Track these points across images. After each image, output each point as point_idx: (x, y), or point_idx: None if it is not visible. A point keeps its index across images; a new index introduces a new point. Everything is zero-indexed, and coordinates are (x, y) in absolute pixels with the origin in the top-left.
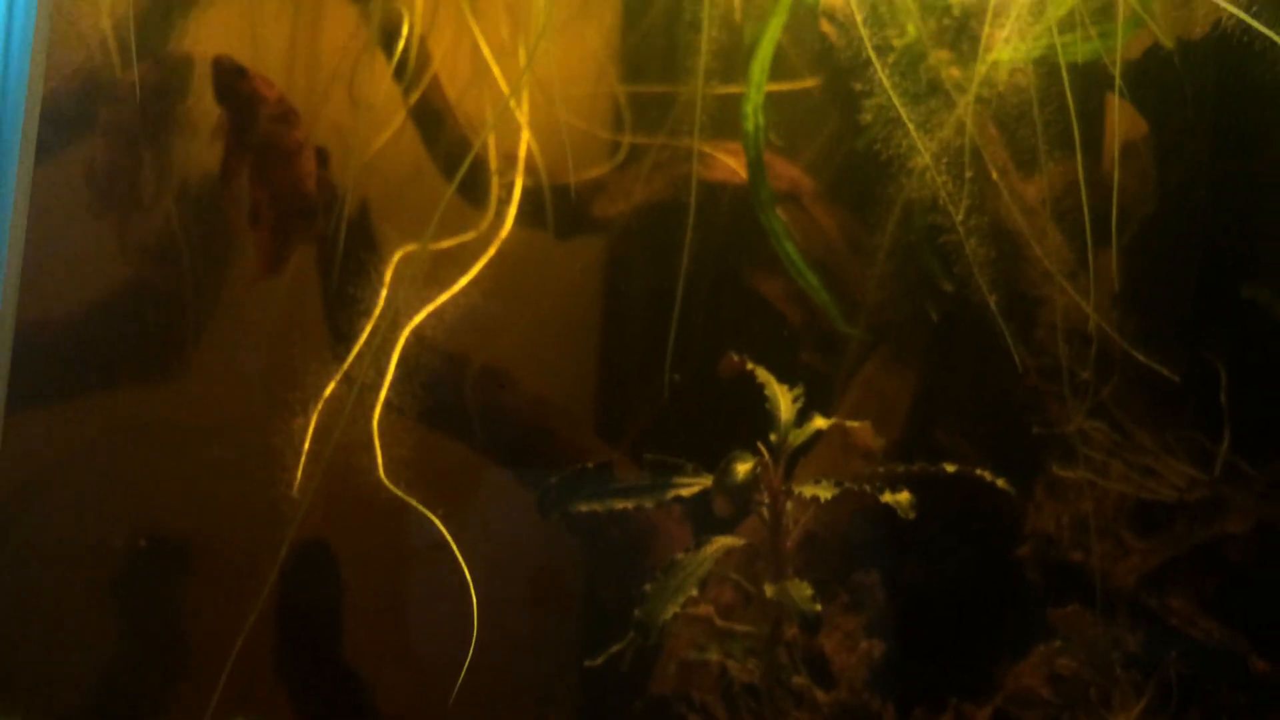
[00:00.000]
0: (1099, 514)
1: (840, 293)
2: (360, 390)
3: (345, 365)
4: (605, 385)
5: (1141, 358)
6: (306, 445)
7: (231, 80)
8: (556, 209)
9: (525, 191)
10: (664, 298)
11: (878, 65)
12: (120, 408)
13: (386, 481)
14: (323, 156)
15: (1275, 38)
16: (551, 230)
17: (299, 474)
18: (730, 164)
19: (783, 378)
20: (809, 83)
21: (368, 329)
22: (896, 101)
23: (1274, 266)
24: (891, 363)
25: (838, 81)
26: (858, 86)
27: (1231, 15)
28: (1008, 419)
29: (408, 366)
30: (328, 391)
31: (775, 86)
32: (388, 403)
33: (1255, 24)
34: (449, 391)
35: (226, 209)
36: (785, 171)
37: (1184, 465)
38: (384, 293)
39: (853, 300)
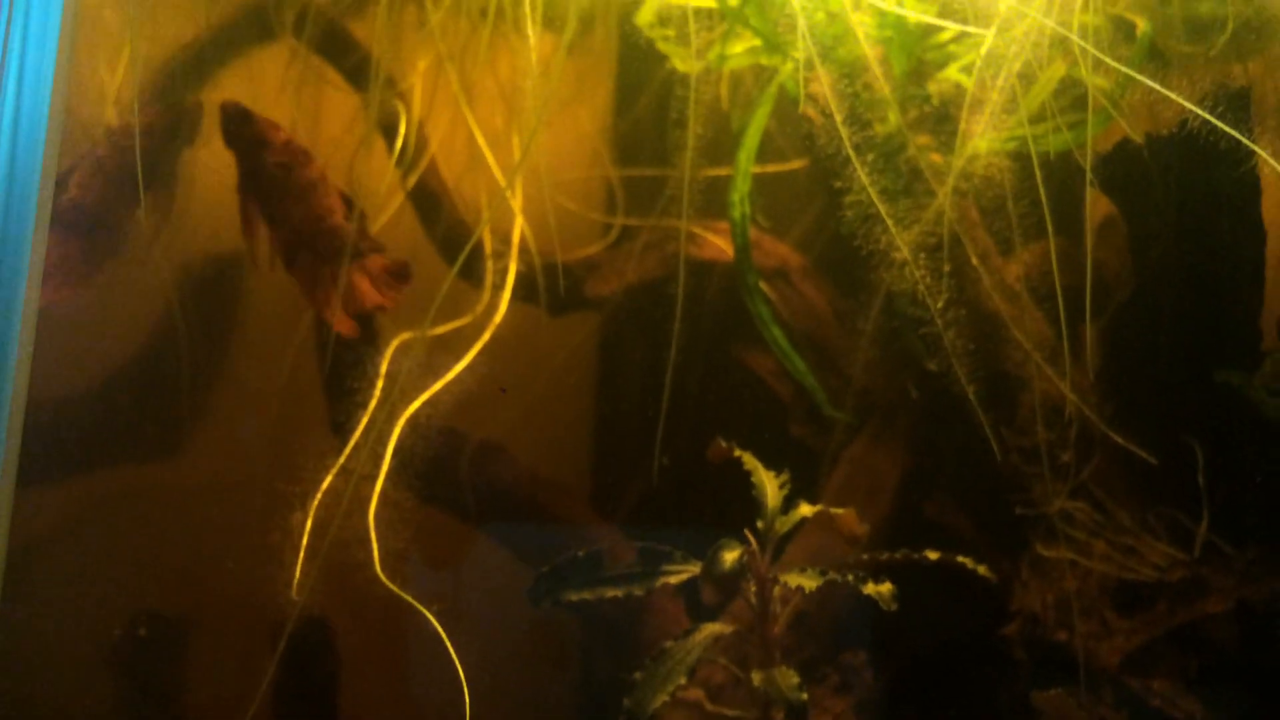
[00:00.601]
0: (1083, 594)
1: (829, 367)
2: (357, 482)
3: (342, 458)
4: (599, 460)
5: (1120, 440)
6: (304, 541)
7: (238, 125)
8: (550, 287)
9: (519, 273)
10: (657, 374)
11: (856, 164)
12: (120, 489)
13: (383, 577)
14: (348, 200)
15: (1240, 137)
16: (545, 307)
17: (297, 572)
18: (719, 244)
19: (773, 451)
20: (796, 164)
21: (364, 420)
22: (875, 199)
23: (1244, 352)
24: (879, 440)
25: (822, 166)
26: (838, 184)
27: (1198, 115)
28: (994, 497)
29: (403, 456)
30: (325, 484)
31: (763, 169)
32: (384, 494)
33: (1220, 124)
34: (444, 466)
35: (258, 261)
36: (774, 249)
37: (1164, 545)
38: (380, 383)
39: (841, 374)
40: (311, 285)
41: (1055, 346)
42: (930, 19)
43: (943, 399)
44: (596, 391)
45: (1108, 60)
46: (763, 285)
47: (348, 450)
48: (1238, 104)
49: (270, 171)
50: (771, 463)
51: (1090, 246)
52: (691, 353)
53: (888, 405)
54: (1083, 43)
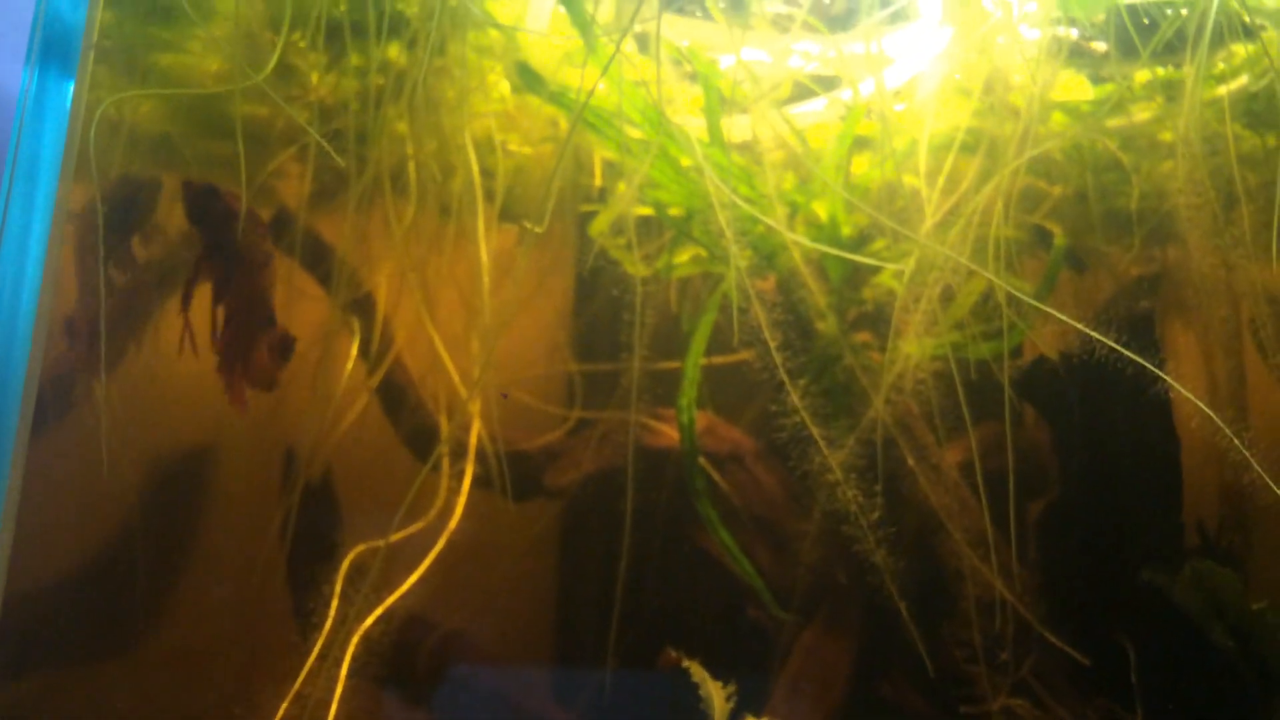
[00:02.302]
0: None
1: (783, 550)
2: (313, 709)
3: (297, 684)
4: (561, 648)
5: (1052, 639)
6: None
7: (206, 200)
8: (507, 477)
9: (477, 474)
10: (616, 560)
11: (790, 388)
12: (77, 694)
13: None
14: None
15: (1145, 364)
16: (502, 495)
17: None
18: (672, 432)
19: (730, 633)
20: (745, 356)
21: (319, 644)
22: (809, 421)
23: (1167, 551)
24: (831, 628)
25: (764, 374)
26: (774, 408)
27: (1103, 343)
28: (942, 691)
29: (359, 673)
30: (280, 714)
31: (712, 361)
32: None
33: (1125, 352)
34: (406, 655)
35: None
36: (727, 434)
37: None
38: (335, 603)
39: (795, 559)
40: (232, 357)
41: (992, 542)
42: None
43: (886, 596)
44: (557, 579)
45: (1016, 292)
46: (715, 472)
47: (302, 676)
48: (1143, 326)
49: (234, 243)
50: (727, 645)
51: (1013, 461)
52: (648, 538)
53: (839, 594)
54: (988, 274)
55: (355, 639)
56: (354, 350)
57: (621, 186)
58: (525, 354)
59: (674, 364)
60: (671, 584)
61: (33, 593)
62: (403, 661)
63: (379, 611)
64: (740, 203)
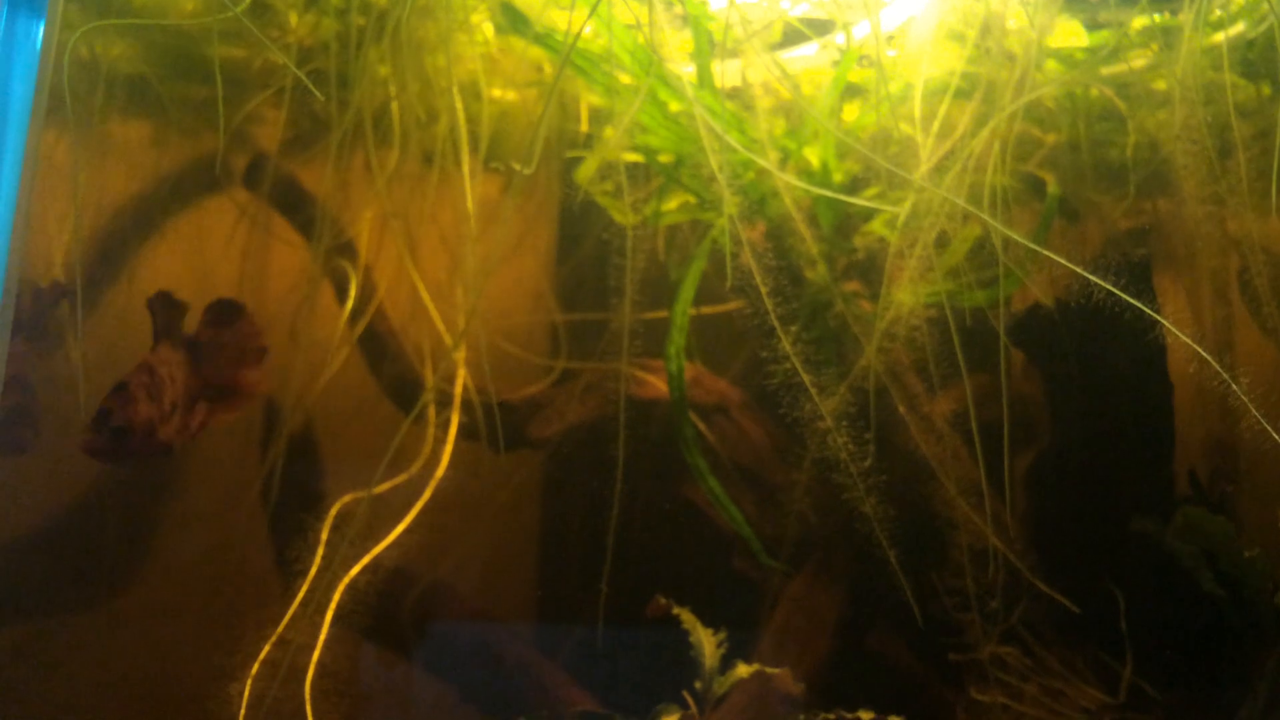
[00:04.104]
0: None
1: (770, 501)
2: (295, 652)
3: (280, 628)
4: (544, 598)
5: (1043, 587)
6: (242, 714)
7: (172, 314)
8: (493, 428)
9: (463, 423)
10: (600, 511)
11: (781, 335)
12: (56, 644)
13: None
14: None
15: (1143, 308)
16: (488, 446)
17: None
18: (659, 384)
19: (717, 584)
20: (732, 306)
21: (303, 590)
22: (800, 368)
23: (1158, 500)
24: (819, 579)
25: (756, 318)
26: (764, 354)
27: (1100, 287)
28: (931, 637)
29: (344, 621)
30: (262, 654)
31: (700, 311)
32: (322, 664)
33: (1123, 295)
34: (390, 607)
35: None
36: (713, 385)
37: (1092, 689)
38: (320, 551)
39: (782, 508)
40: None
41: (985, 491)
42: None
43: (876, 544)
44: (541, 529)
45: (1012, 235)
46: (702, 423)
47: (285, 620)
48: (1139, 273)
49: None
50: (714, 596)
51: (1006, 406)
52: (636, 488)
53: (827, 544)
54: (985, 216)
55: (340, 586)
56: (349, 306)
57: (609, 132)
58: (509, 304)
59: (661, 314)
60: (658, 535)
61: (5, 546)
62: (388, 611)
63: (365, 561)
64: (733, 144)
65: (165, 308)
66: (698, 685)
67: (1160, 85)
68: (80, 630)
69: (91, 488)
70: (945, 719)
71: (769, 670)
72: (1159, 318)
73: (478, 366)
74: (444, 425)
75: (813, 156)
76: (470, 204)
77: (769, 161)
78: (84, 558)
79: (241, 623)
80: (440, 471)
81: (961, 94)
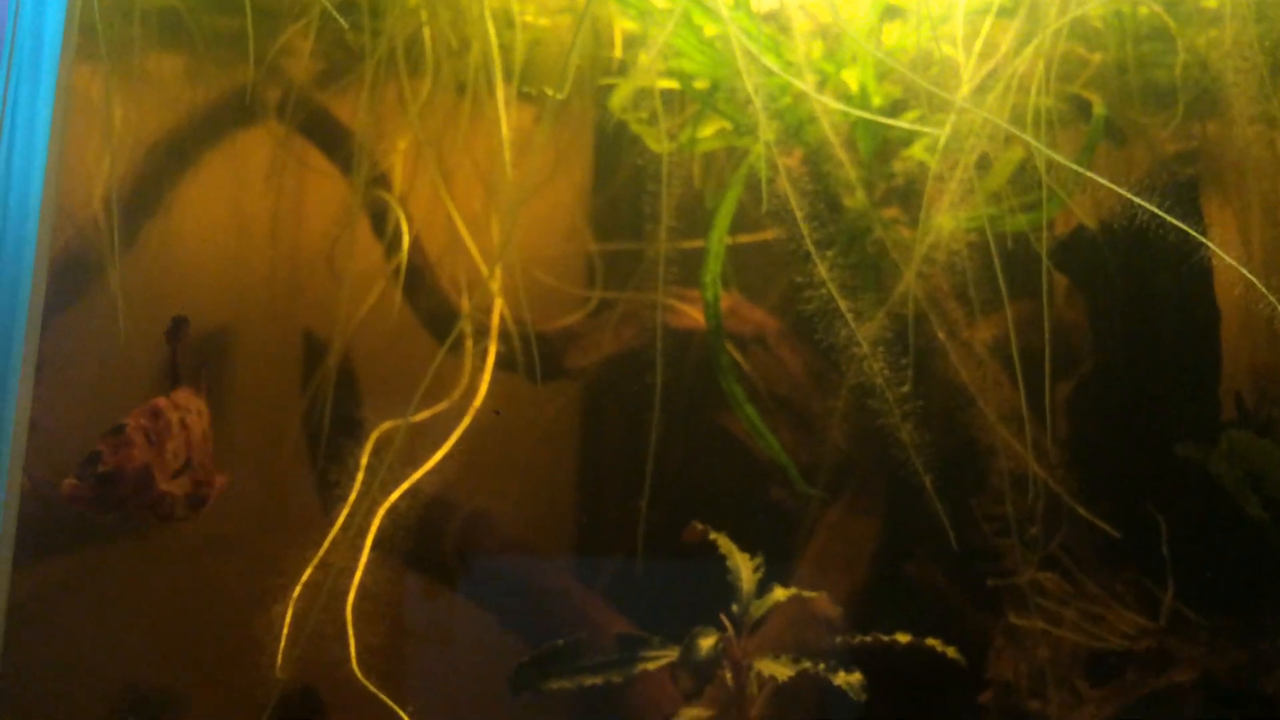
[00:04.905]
0: (1055, 663)
1: (807, 431)
2: (336, 575)
3: (321, 552)
4: (583, 528)
5: (1084, 512)
6: (285, 633)
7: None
8: (531, 358)
9: (500, 353)
10: (637, 440)
11: (817, 259)
12: (110, 567)
13: (359, 673)
14: None
15: (1188, 230)
16: (525, 376)
17: (279, 659)
18: (695, 314)
19: (753, 515)
20: (769, 234)
21: (344, 513)
22: (835, 294)
23: (1203, 425)
24: (856, 506)
25: (792, 244)
26: (798, 279)
27: (1145, 209)
28: (969, 564)
29: (384, 545)
30: (304, 577)
31: (737, 240)
32: (363, 587)
33: (1168, 218)
34: (431, 535)
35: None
36: (750, 315)
37: (1132, 614)
38: (360, 476)
39: (820, 438)
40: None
41: (1024, 417)
42: (892, 121)
43: (912, 470)
44: (579, 459)
45: (1056, 157)
46: (738, 353)
47: (326, 544)
48: (1186, 195)
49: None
50: (751, 525)
51: (1048, 332)
52: (672, 418)
53: (864, 471)
54: (1028, 138)
55: (381, 511)
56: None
57: (643, 57)
58: (544, 234)
59: (697, 243)
60: (695, 465)
61: (53, 478)
62: (429, 540)
63: (405, 486)
64: (770, 67)
65: (184, 340)
66: (735, 609)
67: (1210, 2)
68: (127, 561)
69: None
70: (983, 644)
71: (806, 594)
72: (1204, 239)
73: (514, 296)
74: (481, 355)
75: (851, 80)
76: (505, 131)
77: (806, 85)
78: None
79: (284, 548)
80: (478, 401)
81: (1005, 12)
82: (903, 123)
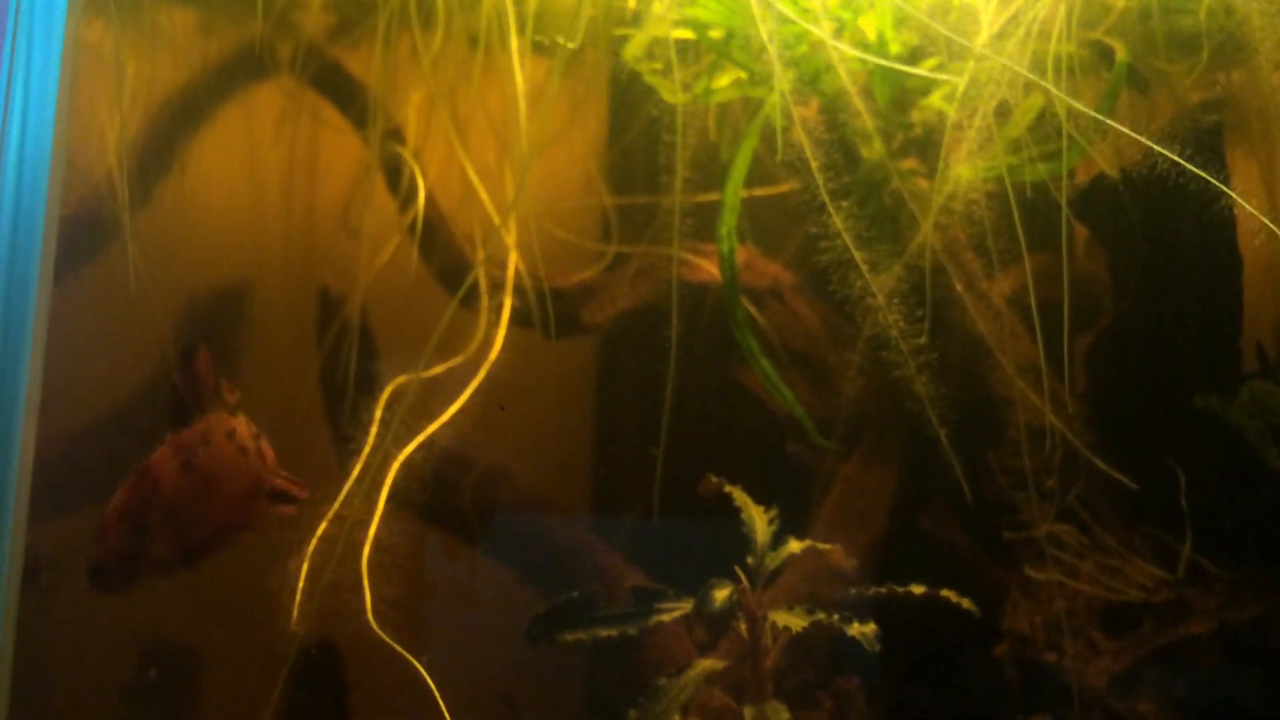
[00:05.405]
0: (1071, 615)
1: (823, 385)
2: (351, 528)
3: (336, 504)
4: (599, 482)
5: (1101, 465)
6: (300, 586)
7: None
8: (546, 314)
9: (515, 307)
10: (653, 396)
11: (831, 210)
12: None
13: (374, 625)
14: None
15: (1209, 179)
16: (540, 332)
17: (295, 614)
18: (710, 268)
19: (769, 469)
20: (785, 187)
21: (358, 467)
22: (850, 245)
23: (1224, 376)
24: (872, 460)
25: (808, 196)
26: (813, 229)
27: (1166, 158)
28: (985, 516)
29: (399, 498)
30: (320, 530)
31: (752, 192)
32: (378, 540)
33: (1188, 166)
34: (448, 489)
35: None
36: (766, 269)
37: (1150, 566)
38: (374, 429)
39: (836, 391)
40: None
41: (1042, 370)
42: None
43: (928, 423)
44: (594, 414)
45: (1075, 105)
46: (754, 308)
47: (341, 497)
48: (1209, 141)
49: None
50: (767, 480)
51: (1067, 281)
52: (688, 373)
53: (880, 425)
54: (1048, 85)
55: (395, 464)
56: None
57: (657, 6)
58: (559, 188)
59: (712, 195)
60: (711, 420)
61: (68, 432)
62: (445, 494)
63: (420, 439)
64: (786, 12)
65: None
66: (750, 561)
67: None
68: None
69: (156, 379)
70: (999, 597)
71: (821, 546)
72: (1225, 188)
73: (529, 251)
74: (496, 310)
75: (868, 27)
76: (520, 82)
77: (823, 31)
78: (150, 438)
79: (300, 503)
80: (493, 355)
81: None
82: (921, 70)
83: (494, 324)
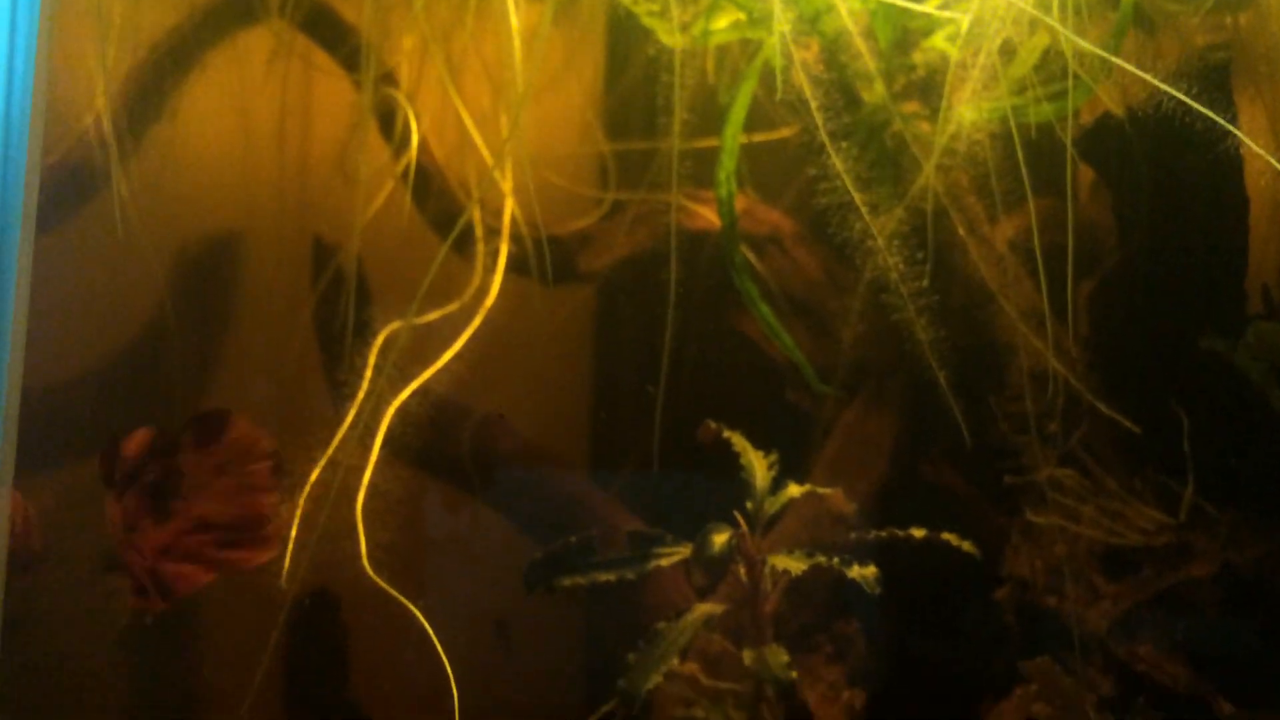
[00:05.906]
0: (1071, 559)
1: (823, 332)
2: (345, 474)
3: (330, 450)
4: (597, 430)
5: (1104, 408)
6: (293, 533)
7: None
8: (543, 261)
9: (511, 253)
10: (651, 343)
11: (831, 151)
12: None
13: (369, 570)
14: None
15: (1215, 118)
16: (538, 279)
17: (286, 563)
18: (709, 215)
19: (769, 417)
20: (785, 133)
21: (351, 413)
22: (850, 186)
23: (1229, 318)
24: (873, 406)
25: (808, 139)
26: (813, 171)
27: (1172, 97)
28: (986, 461)
29: (394, 445)
30: (313, 476)
31: (752, 138)
32: (372, 485)
33: (1194, 105)
34: (446, 437)
35: None
36: (765, 216)
37: (1151, 510)
38: (368, 374)
39: (836, 339)
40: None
41: (1044, 314)
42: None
43: (927, 367)
44: (592, 363)
45: (1081, 44)
46: (753, 255)
47: (335, 442)
48: (1216, 80)
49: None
50: (767, 428)
51: (1072, 222)
52: (686, 321)
53: (881, 371)
54: (1054, 23)
55: (390, 410)
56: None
57: None
58: (555, 133)
59: (711, 141)
60: (710, 367)
61: (56, 385)
62: (442, 443)
63: (415, 385)
64: None
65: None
66: (749, 506)
67: None
68: None
69: (148, 329)
70: (1000, 541)
71: (821, 490)
72: (1232, 128)
73: (525, 197)
74: (493, 256)
75: None
76: (514, 23)
77: None
78: (143, 393)
79: (293, 450)
80: (489, 301)
81: None
82: (925, 7)
83: (490, 270)
